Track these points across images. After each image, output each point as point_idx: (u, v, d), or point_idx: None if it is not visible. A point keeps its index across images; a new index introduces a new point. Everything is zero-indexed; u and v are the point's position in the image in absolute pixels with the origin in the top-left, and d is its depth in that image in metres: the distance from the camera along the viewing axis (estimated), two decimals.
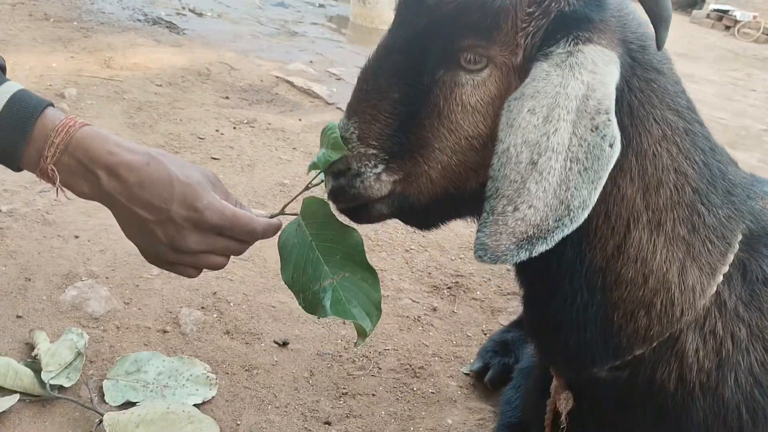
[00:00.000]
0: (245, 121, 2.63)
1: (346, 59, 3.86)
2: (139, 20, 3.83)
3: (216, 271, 1.61)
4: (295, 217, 0.92)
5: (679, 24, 7.52)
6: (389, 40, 0.83)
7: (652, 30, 0.77)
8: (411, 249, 1.93)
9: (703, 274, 0.82)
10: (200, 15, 4.32)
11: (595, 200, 0.69)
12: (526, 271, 0.91)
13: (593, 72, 0.71)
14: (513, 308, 1.75)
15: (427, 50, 0.79)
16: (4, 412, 1.10)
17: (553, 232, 0.69)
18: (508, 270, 1.97)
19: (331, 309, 0.85)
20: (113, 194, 0.84)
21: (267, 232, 0.90)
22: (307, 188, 0.95)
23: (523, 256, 0.69)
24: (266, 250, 1.75)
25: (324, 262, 0.88)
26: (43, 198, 1.80)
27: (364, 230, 1.95)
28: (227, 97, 2.92)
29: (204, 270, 0.94)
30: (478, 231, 0.72)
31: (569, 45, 0.73)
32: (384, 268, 1.80)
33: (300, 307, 0.86)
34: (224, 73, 3.21)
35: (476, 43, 0.76)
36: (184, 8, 4.37)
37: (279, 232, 0.92)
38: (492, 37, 0.75)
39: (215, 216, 0.85)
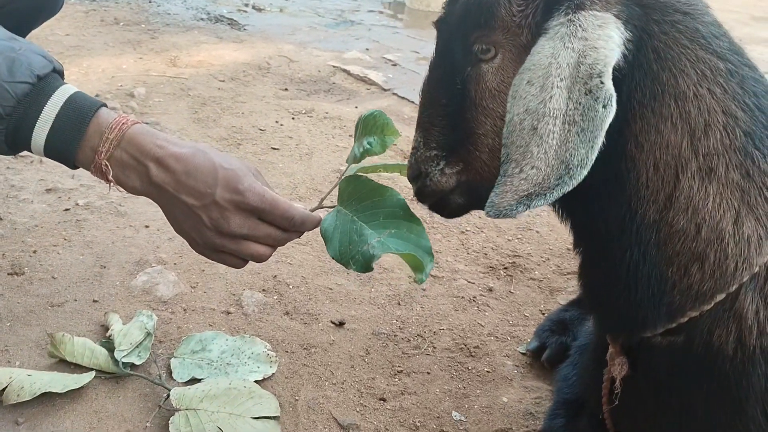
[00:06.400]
0: (303, 112, 2.69)
1: (402, 45, 3.86)
2: (202, 19, 3.96)
3: (276, 257, 1.67)
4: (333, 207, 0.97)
5: None
6: (433, 58, 0.97)
7: None
8: (467, 231, 1.93)
9: (760, 225, 0.79)
10: (260, 10, 4.42)
11: (594, 158, 0.74)
12: (579, 232, 0.94)
13: (584, 39, 0.77)
14: (572, 288, 1.72)
15: (455, 55, 0.92)
16: (82, 387, 1.18)
17: (553, 189, 0.76)
18: (568, 249, 1.94)
19: (383, 252, 0.91)
20: (161, 185, 0.90)
21: (305, 224, 0.94)
22: (340, 180, 1.00)
23: (521, 210, 0.77)
24: None
25: (368, 227, 0.92)
26: (115, 192, 1.91)
27: (420, 213, 1.97)
28: (286, 89, 2.99)
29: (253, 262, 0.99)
30: (491, 192, 0.79)
31: (561, 16, 0.79)
32: (439, 250, 1.81)
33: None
34: (283, 65, 3.29)
35: (481, 34, 0.87)
36: (246, 5, 4.48)
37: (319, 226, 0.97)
38: (492, 26, 0.86)
39: (256, 198, 0.89)
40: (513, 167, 0.78)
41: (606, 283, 0.91)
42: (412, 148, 0.99)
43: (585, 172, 0.75)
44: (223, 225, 0.90)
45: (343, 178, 1.01)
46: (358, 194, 0.96)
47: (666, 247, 0.82)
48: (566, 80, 0.76)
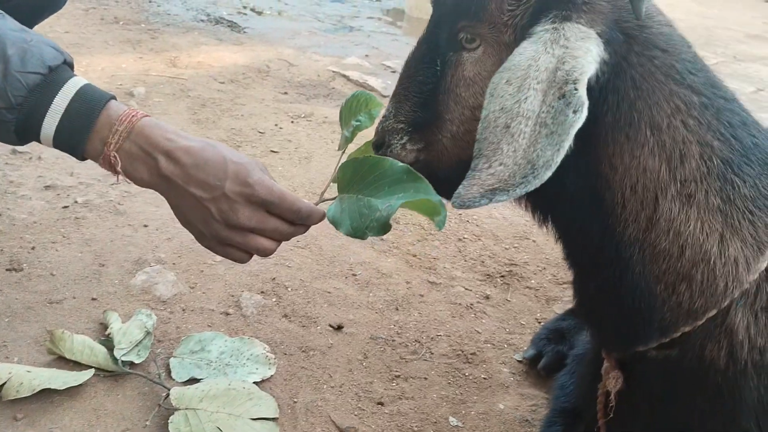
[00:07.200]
0: (303, 115, 2.70)
1: (401, 52, 3.88)
2: (202, 20, 3.96)
3: (275, 259, 1.68)
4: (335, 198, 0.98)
5: (754, 5, 7.17)
6: (422, 33, 0.98)
7: (663, 17, 0.88)
8: (464, 238, 1.94)
9: (747, 246, 0.82)
10: (260, 13, 4.43)
11: (559, 161, 0.77)
12: (565, 245, 0.97)
13: (565, 47, 0.80)
14: (569, 297, 1.73)
15: (440, 37, 0.94)
16: (81, 385, 1.18)
17: (517, 187, 0.78)
18: (564, 259, 1.95)
19: (396, 208, 0.90)
20: (170, 177, 0.91)
21: (312, 217, 0.95)
22: (336, 168, 1.01)
23: (484, 203, 0.80)
24: (322, 239, 1.81)
25: (375, 199, 0.93)
26: (114, 190, 1.91)
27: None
28: (286, 93, 2.99)
29: (257, 258, 1.00)
30: (460, 184, 0.83)
31: (548, 23, 0.82)
32: (436, 257, 1.82)
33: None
34: (283, 69, 3.29)
35: (468, 24, 0.89)
36: (245, 7, 4.49)
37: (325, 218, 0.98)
38: (480, 18, 0.88)
39: (264, 190, 0.91)
40: (483, 162, 0.81)
41: (596, 297, 0.95)
42: (383, 116, 1.01)
43: (549, 174, 0.78)
44: (232, 217, 0.91)
45: (338, 166, 1.02)
46: (359, 175, 0.96)
47: (652, 266, 0.85)
48: (543, 83, 0.79)
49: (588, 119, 0.79)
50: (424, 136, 0.96)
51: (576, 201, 0.89)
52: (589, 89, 0.80)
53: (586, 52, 0.79)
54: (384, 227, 0.91)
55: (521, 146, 0.78)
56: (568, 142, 0.77)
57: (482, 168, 0.80)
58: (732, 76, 4.17)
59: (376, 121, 1.06)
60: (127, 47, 3.26)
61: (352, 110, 1.06)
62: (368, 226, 0.91)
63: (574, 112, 0.77)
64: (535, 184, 0.78)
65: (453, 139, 0.93)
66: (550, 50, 0.80)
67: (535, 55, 0.80)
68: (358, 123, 1.06)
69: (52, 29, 3.29)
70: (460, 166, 0.91)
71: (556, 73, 0.79)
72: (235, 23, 4.02)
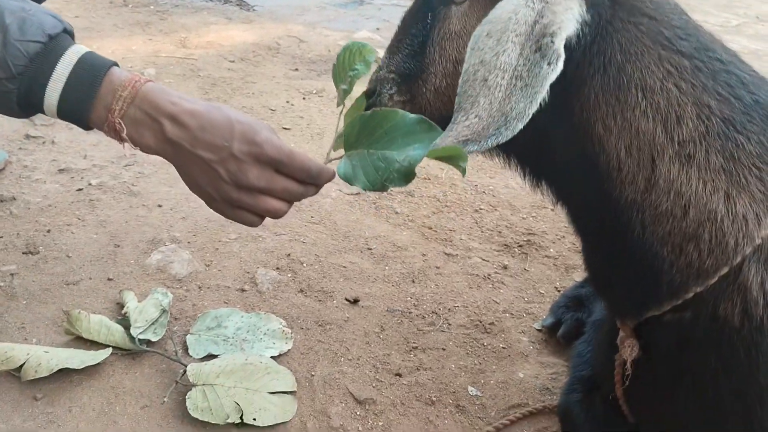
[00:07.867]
0: (314, 92, 2.67)
1: None
2: (210, 0, 3.93)
3: (289, 235, 1.67)
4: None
5: None
6: None
7: None
8: (480, 209, 1.92)
9: (756, 202, 0.80)
10: None
11: (531, 113, 0.78)
12: (569, 213, 0.98)
13: (545, 1, 0.80)
14: None
15: None
16: (98, 364, 1.19)
17: (489, 138, 0.79)
18: (570, 224, 1.92)
19: (419, 159, 0.89)
20: (177, 141, 0.89)
21: (322, 176, 0.93)
22: (339, 123, 0.99)
23: None
24: (336, 215, 1.79)
25: (389, 151, 0.90)
26: (128, 171, 1.91)
27: (431, 192, 1.96)
28: (296, 69, 2.97)
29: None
30: (438, 137, 0.85)
31: None
32: (453, 228, 1.80)
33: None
34: (293, 46, 3.26)
35: None
36: None
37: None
38: None
39: (273, 149, 0.89)
40: (461, 116, 0.82)
41: (601, 262, 0.95)
42: (378, 66, 1.04)
43: (520, 126, 0.79)
44: (241, 178, 0.90)
45: (342, 121, 0.99)
46: (367, 130, 0.93)
47: (655, 227, 0.84)
48: (521, 36, 0.80)
49: (573, 80, 0.81)
50: (410, 89, 0.98)
51: (570, 164, 0.89)
52: (571, 48, 0.81)
53: (566, 9, 0.80)
54: (407, 177, 0.88)
55: (497, 99, 0.79)
56: (542, 94, 0.78)
57: (460, 121, 0.82)
58: (755, 38, 4.05)
59: (373, 68, 1.05)
60: (136, 29, 3.25)
61: (347, 62, 1.03)
62: (388, 178, 0.88)
63: (549, 64, 0.78)
64: (507, 135, 0.79)
65: (436, 93, 0.95)
66: (530, 4, 0.81)
67: (516, 8, 0.81)
68: (356, 71, 1.03)
69: (62, 14, 3.28)
70: (441, 121, 0.93)
71: (534, 26, 0.80)
72: (244, 1, 3.98)
